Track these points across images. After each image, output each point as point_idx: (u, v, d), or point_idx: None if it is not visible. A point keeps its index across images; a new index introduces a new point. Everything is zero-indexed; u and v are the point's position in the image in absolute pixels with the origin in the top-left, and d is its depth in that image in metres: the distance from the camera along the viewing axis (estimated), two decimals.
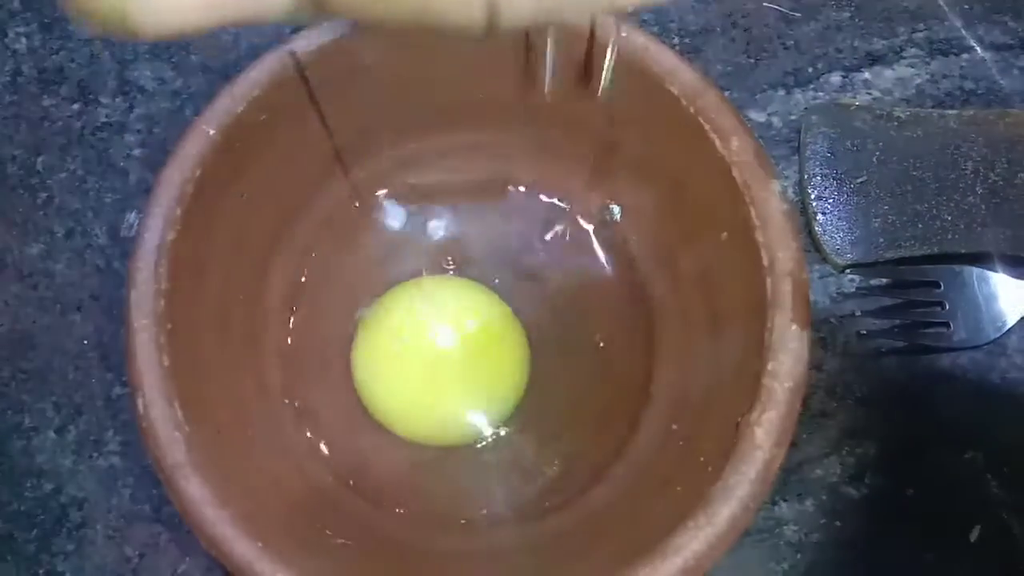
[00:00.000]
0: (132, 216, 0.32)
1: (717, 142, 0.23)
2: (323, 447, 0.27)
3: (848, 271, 0.32)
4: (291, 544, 0.22)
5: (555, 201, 0.30)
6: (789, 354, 0.21)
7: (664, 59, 0.24)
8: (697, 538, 0.20)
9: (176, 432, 0.21)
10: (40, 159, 0.33)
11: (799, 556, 0.29)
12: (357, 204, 0.30)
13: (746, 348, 0.23)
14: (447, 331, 0.27)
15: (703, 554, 0.20)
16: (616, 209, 0.29)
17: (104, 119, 0.33)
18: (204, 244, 0.24)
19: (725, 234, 0.24)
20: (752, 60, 0.34)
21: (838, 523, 0.29)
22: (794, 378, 0.21)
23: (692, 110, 0.24)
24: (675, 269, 0.27)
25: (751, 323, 0.23)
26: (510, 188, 0.30)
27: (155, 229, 0.23)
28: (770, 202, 0.23)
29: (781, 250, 0.22)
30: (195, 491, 0.21)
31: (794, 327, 0.21)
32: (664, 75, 0.24)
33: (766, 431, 0.21)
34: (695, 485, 0.22)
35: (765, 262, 0.22)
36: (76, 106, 0.33)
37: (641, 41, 0.24)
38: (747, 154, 0.23)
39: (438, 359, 0.27)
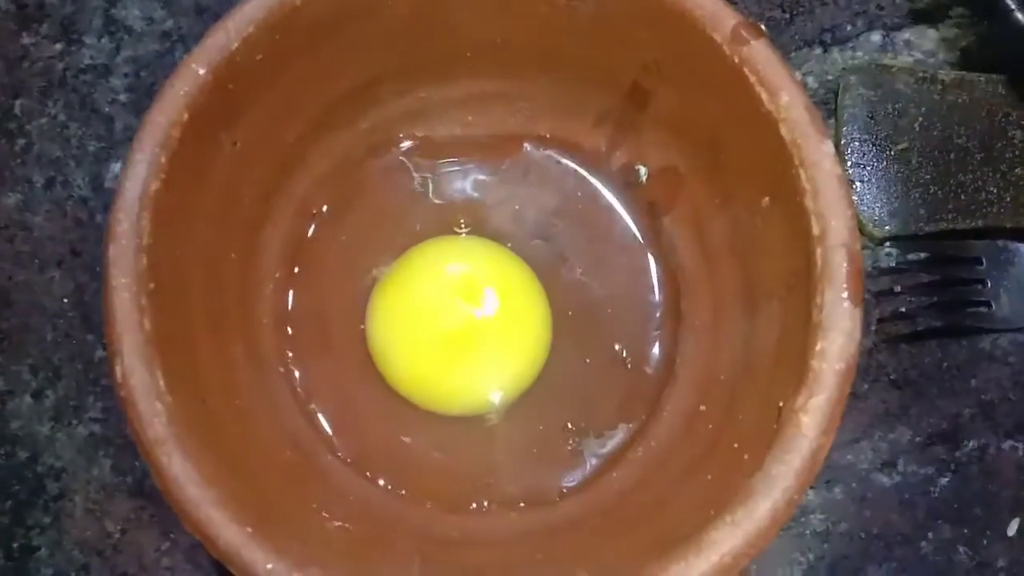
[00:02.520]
0: (116, 166, 0.30)
1: (764, 96, 0.21)
2: (321, 420, 0.25)
3: (886, 244, 0.30)
4: (283, 528, 0.20)
5: (575, 159, 0.28)
6: (840, 333, 0.19)
7: (704, 1, 0.22)
8: (735, 534, 0.18)
9: (157, 403, 0.19)
10: (18, 102, 0.30)
11: (826, 547, 0.27)
12: (362, 158, 0.27)
13: (786, 325, 0.21)
14: (475, 293, 0.26)
15: (740, 551, 0.18)
16: (643, 169, 0.27)
17: (88, 61, 0.31)
18: (192, 196, 0.22)
19: (767, 199, 0.22)
20: (787, 15, 0.32)
21: (868, 512, 0.27)
22: (845, 359, 0.19)
23: (736, 59, 0.22)
24: (707, 236, 0.25)
25: (794, 298, 0.21)
26: (527, 145, 0.28)
27: (137, 178, 0.20)
28: (823, 165, 0.20)
29: (834, 218, 0.20)
30: (177, 468, 0.19)
31: (847, 304, 0.19)
32: (705, 19, 0.22)
33: (813, 418, 0.19)
34: (729, 474, 0.20)
35: (815, 231, 0.20)
36: (58, 46, 0.31)
37: None
38: (797, 111, 0.21)
39: (464, 322, 0.25)
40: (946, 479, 0.28)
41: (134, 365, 0.19)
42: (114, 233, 0.20)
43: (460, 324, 0.26)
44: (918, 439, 0.28)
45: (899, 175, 0.30)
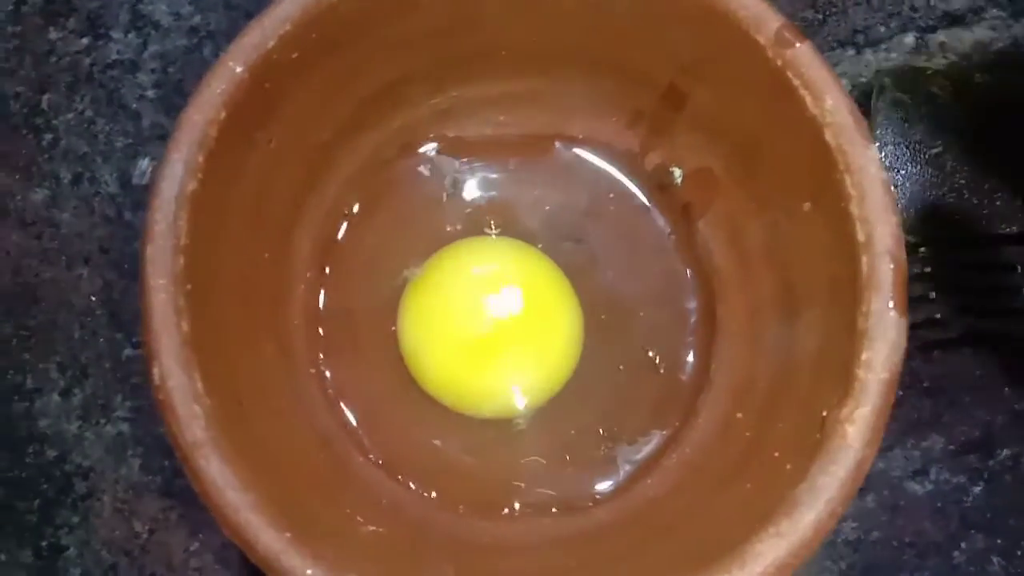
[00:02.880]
0: (144, 162, 0.30)
1: (808, 100, 0.21)
2: (352, 421, 0.25)
3: (921, 249, 0.29)
4: (319, 532, 0.20)
5: (607, 159, 0.27)
6: (887, 343, 0.19)
7: (748, 2, 0.22)
8: (779, 545, 0.18)
9: (196, 405, 0.19)
10: (45, 98, 0.30)
11: (857, 555, 0.27)
12: (393, 157, 0.27)
13: (828, 333, 0.21)
14: (507, 295, 0.25)
15: (784, 562, 0.18)
16: (677, 171, 0.27)
17: (115, 56, 0.31)
18: (228, 195, 0.22)
19: (808, 204, 0.22)
20: (820, 16, 0.32)
21: (900, 521, 0.27)
22: (890, 369, 0.19)
23: (779, 63, 0.21)
24: (743, 240, 0.25)
25: (837, 305, 0.21)
26: (558, 145, 0.28)
27: (174, 177, 0.20)
28: (868, 170, 0.20)
29: (880, 225, 0.20)
30: (216, 472, 0.19)
31: (893, 313, 0.19)
32: (749, 21, 0.21)
33: (858, 428, 0.18)
34: (770, 483, 0.19)
35: (861, 238, 0.20)
36: (85, 40, 0.31)
37: None
38: (842, 115, 0.21)
39: (496, 324, 0.25)
40: (979, 488, 0.27)
41: (172, 367, 0.19)
42: (151, 233, 0.20)
43: (492, 326, 0.25)
44: (951, 447, 0.28)
45: (934, 179, 0.29)
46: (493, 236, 0.27)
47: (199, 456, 0.19)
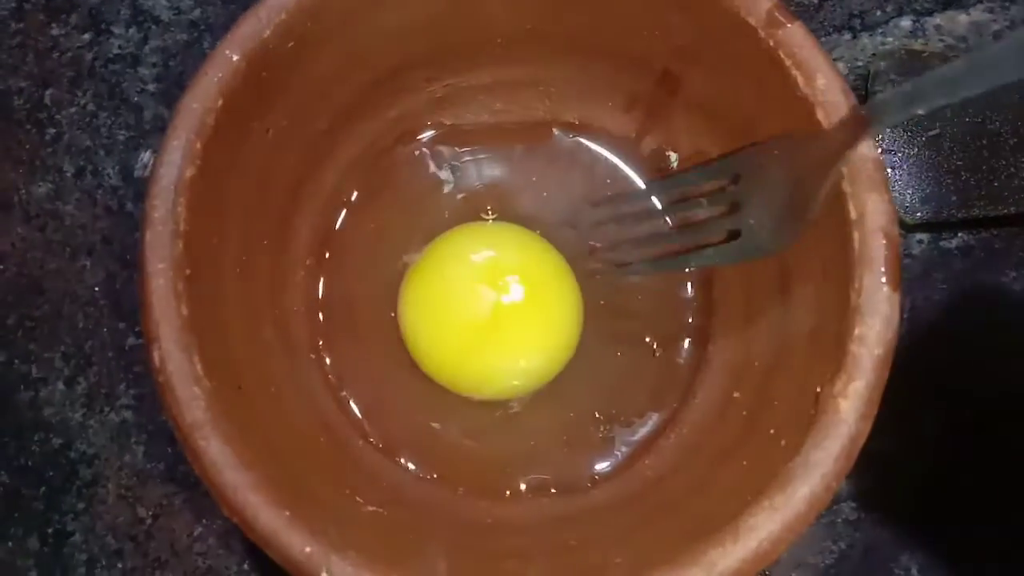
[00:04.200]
0: (146, 155, 0.30)
1: (800, 80, 0.21)
2: (353, 405, 0.25)
3: (917, 231, 0.29)
4: (319, 512, 0.20)
5: (604, 145, 0.28)
6: (879, 318, 0.19)
7: None
8: (773, 519, 0.18)
9: (195, 388, 0.19)
10: (48, 92, 0.31)
11: (857, 535, 0.27)
12: (391, 146, 0.27)
13: (822, 310, 0.21)
14: (508, 279, 0.25)
15: (778, 536, 0.18)
16: (673, 156, 0.27)
17: (117, 50, 0.31)
18: (226, 183, 0.22)
19: None
20: (816, 0, 0.32)
21: (898, 500, 0.27)
22: (884, 344, 0.19)
23: (771, 43, 0.21)
24: None
25: (830, 282, 0.21)
26: (555, 131, 0.28)
27: (172, 164, 0.20)
28: (860, 148, 0.20)
29: (872, 202, 0.20)
30: (216, 452, 0.19)
31: (886, 288, 0.19)
32: (740, 2, 0.22)
33: (852, 403, 0.19)
34: (765, 459, 0.20)
35: (853, 215, 0.20)
36: (87, 36, 0.31)
37: None
38: (834, 93, 0.21)
39: (496, 307, 0.25)
40: (976, 466, 0.27)
41: (172, 351, 0.19)
42: (150, 219, 0.20)
43: (492, 309, 0.26)
44: (948, 427, 0.28)
45: (931, 161, 0.30)
46: (491, 221, 0.28)
47: (199, 437, 0.19)
